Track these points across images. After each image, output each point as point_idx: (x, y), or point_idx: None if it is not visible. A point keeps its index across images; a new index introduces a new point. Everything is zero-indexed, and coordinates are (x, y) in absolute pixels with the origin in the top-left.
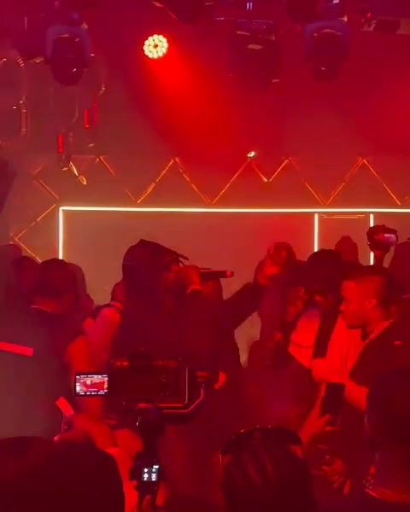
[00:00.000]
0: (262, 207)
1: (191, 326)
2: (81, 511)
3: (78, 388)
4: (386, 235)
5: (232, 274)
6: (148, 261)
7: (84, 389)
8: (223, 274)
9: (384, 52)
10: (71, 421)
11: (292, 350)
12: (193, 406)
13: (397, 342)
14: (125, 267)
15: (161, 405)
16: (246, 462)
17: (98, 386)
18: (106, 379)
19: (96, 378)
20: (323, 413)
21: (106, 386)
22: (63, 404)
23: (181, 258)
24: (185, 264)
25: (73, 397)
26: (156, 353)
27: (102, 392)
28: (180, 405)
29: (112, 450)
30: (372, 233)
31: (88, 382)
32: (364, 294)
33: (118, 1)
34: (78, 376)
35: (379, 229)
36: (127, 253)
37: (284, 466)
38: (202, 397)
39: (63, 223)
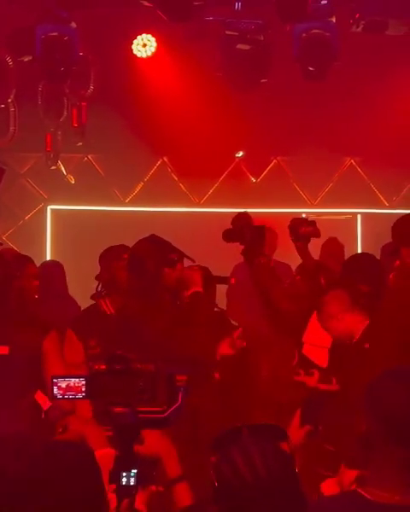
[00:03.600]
0: (250, 207)
1: (189, 326)
2: (62, 503)
3: (55, 391)
4: (309, 228)
5: (234, 282)
6: (153, 254)
7: (62, 392)
8: (225, 280)
9: (373, 53)
10: (66, 425)
11: (306, 350)
12: (170, 411)
13: (366, 345)
14: (130, 258)
15: (139, 409)
16: (235, 458)
17: (76, 389)
18: (84, 382)
19: (74, 381)
20: (303, 424)
21: (84, 389)
22: (41, 397)
23: (187, 260)
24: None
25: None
26: (149, 351)
27: (79, 396)
28: (158, 409)
29: (105, 451)
30: (296, 226)
31: (64, 386)
32: (329, 317)
33: (107, 0)
34: (55, 379)
35: (302, 222)
36: (135, 245)
37: (273, 461)
38: (180, 401)
39: (51, 222)
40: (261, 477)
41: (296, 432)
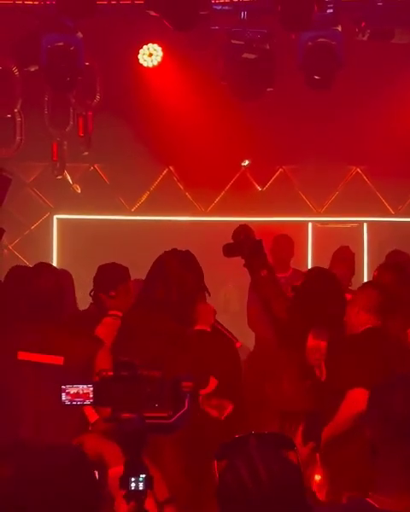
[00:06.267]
0: (256, 216)
1: (185, 363)
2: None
3: (63, 397)
4: None
5: (240, 346)
6: (192, 277)
7: (70, 399)
8: (231, 340)
9: (378, 61)
10: (83, 441)
11: None
12: (176, 416)
13: None
14: (172, 273)
15: (146, 415)
16: (240, 468)
17: (84, 396)
18: (91, 389)
19: (82, 388)
20: (306, 442)
21: (91, 395)
22: (89, 410)
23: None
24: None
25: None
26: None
27: (87, 402)
28: (164, 415)
29: (121, 468)
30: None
31: (73, 392)
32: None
33: (113, 9)
34: (63, 386)
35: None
36: (180, 264)
37: (278, 471)
38: (186, 407)
39: (57, 231)
40: (265, 488)
41: (301, 450)
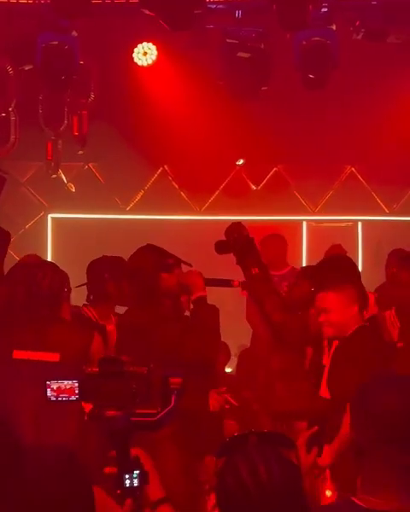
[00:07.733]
0: (251, 215)
1: (195, 332)
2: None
3: (49, 393)
4: None
5: (239, 284)
6: (150, 260)
7: (55, 395)
8: (228, 283)
9: (373, 60)
10: None
11: None
12: (162, 414)
13: (400, 344)
14: (128, 267)
15: (131, 412)
16: (239, 466)
17: (69, 391)
18: (76, 385)
19: (67, 384)
20: (309, 449)
21: (77, 391)
22: (88, 406)
23: (184, 264)
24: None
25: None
26: (153, 357)
27: (73, 398)
28: (152, 412)
29: None
30: None
31: (56, 388)
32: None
33: (107, 8)
34: (48, 382)
35: None
36: (132, 255)
37: (278, 470)
38: (172, 404)
39: (52, 230)
40: (264, 487)
41: (305, 458)
